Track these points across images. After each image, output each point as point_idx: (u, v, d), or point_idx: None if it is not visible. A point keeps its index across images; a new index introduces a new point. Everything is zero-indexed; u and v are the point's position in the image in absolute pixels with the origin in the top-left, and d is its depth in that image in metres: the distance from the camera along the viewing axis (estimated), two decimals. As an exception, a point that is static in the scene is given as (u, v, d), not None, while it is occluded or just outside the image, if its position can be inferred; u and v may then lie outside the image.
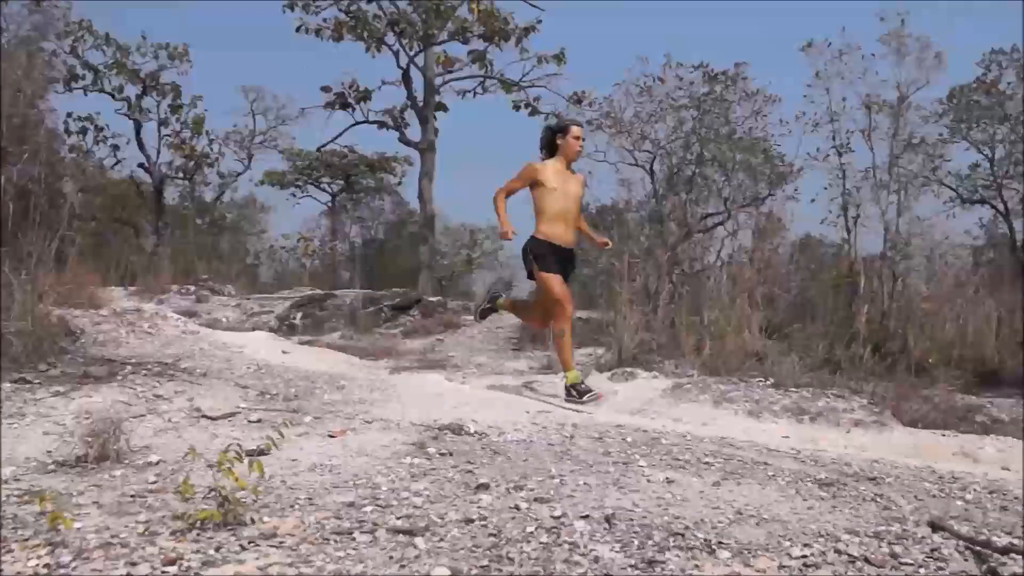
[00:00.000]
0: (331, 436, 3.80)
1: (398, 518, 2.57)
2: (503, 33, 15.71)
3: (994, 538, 2.57)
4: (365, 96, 17.09)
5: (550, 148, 5.60)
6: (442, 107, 16.92)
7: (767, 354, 6.69)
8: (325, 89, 17.13)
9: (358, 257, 23.44)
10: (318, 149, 22.03)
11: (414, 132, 16.83)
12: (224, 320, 10.08)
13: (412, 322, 10.64)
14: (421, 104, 16.42)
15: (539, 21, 15.76)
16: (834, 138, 11.00)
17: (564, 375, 5.48)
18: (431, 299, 11.93)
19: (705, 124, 12.66)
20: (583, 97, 15.69)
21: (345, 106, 17.23)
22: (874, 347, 7.33)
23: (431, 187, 16.51)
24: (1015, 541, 2.56)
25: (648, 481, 3.16)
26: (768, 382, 5.87)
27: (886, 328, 8.22)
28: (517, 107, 16.63)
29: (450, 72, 16.88)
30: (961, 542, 2.52)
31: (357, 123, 17.44)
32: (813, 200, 12.58)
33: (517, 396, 5.60)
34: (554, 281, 5.39)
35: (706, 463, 3.54)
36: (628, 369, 6.42)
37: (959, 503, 3.08)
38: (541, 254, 5.44)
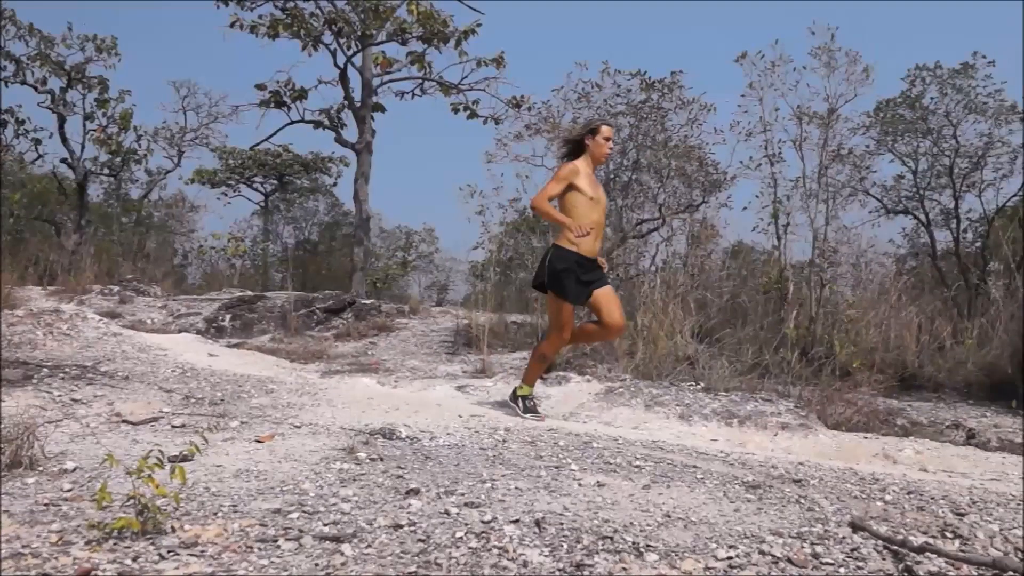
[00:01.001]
0: (258, 441, 3.72)
1: (325, 524, 2.53)
2: (442, 35, 15.62)
3: (911, 538, 2.65)
4: (301, 95, 16.76)
5: (576, 148, 5.14)
6: (380, 108, 16.75)
7: (698, 358, 6.81)
8: (260, 87, 16.75)
9: (290, 258, 23.02)
10: (251, 148, 21.58)
11: (351, 132, 16.60)
12: (149, 321, 9.77)
13: (345, 325, 10.49)
14: (358, 104, 16.23)
15: (479, 24, 15.73)
16: (766, 147, 11.19)
17: (520, 384, 5.18)
18: (365, 302, 11.77)
19: (642, 131, 12.79)
20: (522, 102, 15.68)
21: (280, 104, 16.88)
22: (801, 352, 7.53)
23: (367, 188, 16.31)
24: (931, 540, 2.65)
25: (579, 485, 3.17)
26: (699, 386, 5.98)
27: (813, 333, 8.44)
28: (456, 110, 16.56)
29: (388, 73, 16.71)
30: (880, 542, 2.59)
31: (292, 122, 17.08)
32: (745, 208, 12.82)
33: (450, 399, 5.57)
34: (566, 308, 5.00)
35: (637, 466, 3.57)
36: (561, 373, 6.46)
37: (879, 503, 3.17)
38: (565, 268, 4.93)
